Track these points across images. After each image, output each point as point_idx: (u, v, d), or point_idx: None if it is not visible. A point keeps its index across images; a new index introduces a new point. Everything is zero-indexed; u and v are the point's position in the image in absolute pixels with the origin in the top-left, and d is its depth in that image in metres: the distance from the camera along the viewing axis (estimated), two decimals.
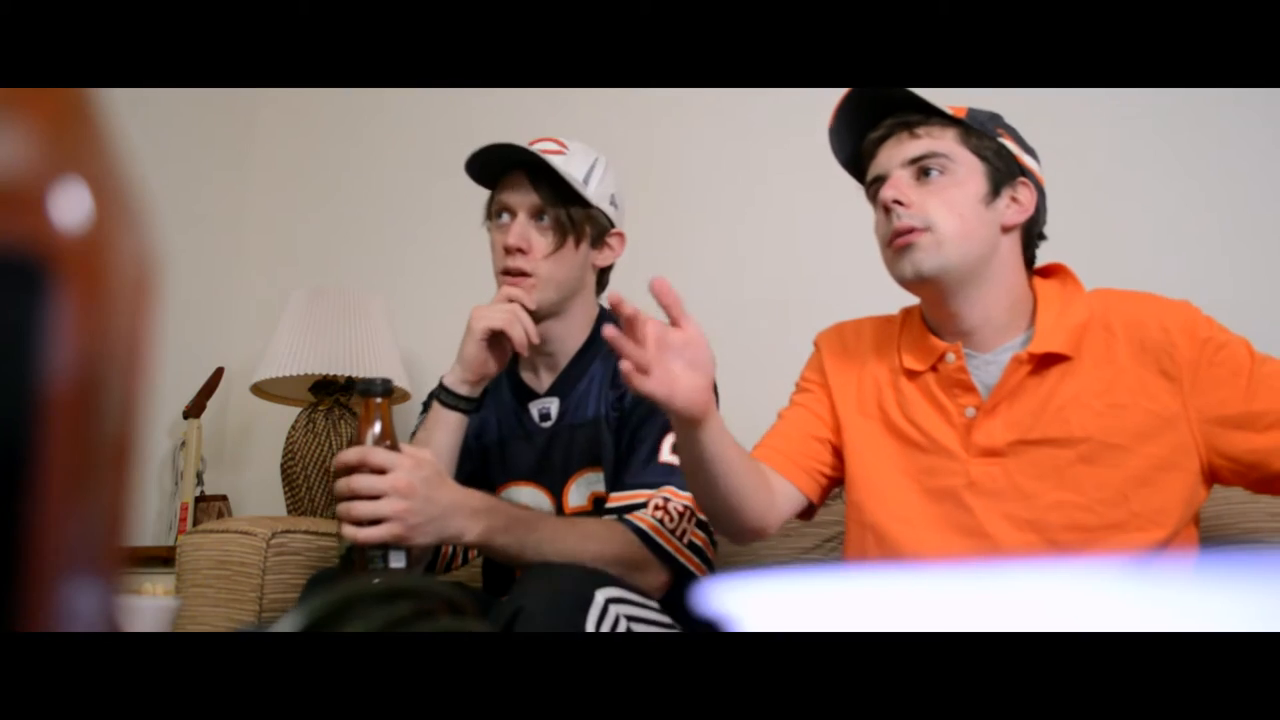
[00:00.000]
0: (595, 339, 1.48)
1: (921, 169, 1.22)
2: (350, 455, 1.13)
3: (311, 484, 2.25)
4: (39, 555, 0.24)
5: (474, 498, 1.23)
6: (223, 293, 2.78)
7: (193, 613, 1.66)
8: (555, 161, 1.43)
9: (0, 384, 0.24)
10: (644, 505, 1.36)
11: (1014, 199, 1.24)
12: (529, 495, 1.48)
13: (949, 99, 1.28)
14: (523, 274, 1.42)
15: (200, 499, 2.50)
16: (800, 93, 2.13)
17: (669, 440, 1.38)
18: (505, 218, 1.46)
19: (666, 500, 1.36)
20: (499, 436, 1.52)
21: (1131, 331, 1.19)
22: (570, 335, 1.49)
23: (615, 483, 1.41)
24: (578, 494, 1.47)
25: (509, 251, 1.43)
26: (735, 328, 2.10)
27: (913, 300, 1.33)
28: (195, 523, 2.43)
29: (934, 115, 1.24)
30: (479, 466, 1.52)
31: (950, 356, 1.24)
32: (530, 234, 1.43)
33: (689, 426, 1.12)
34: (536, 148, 1.44)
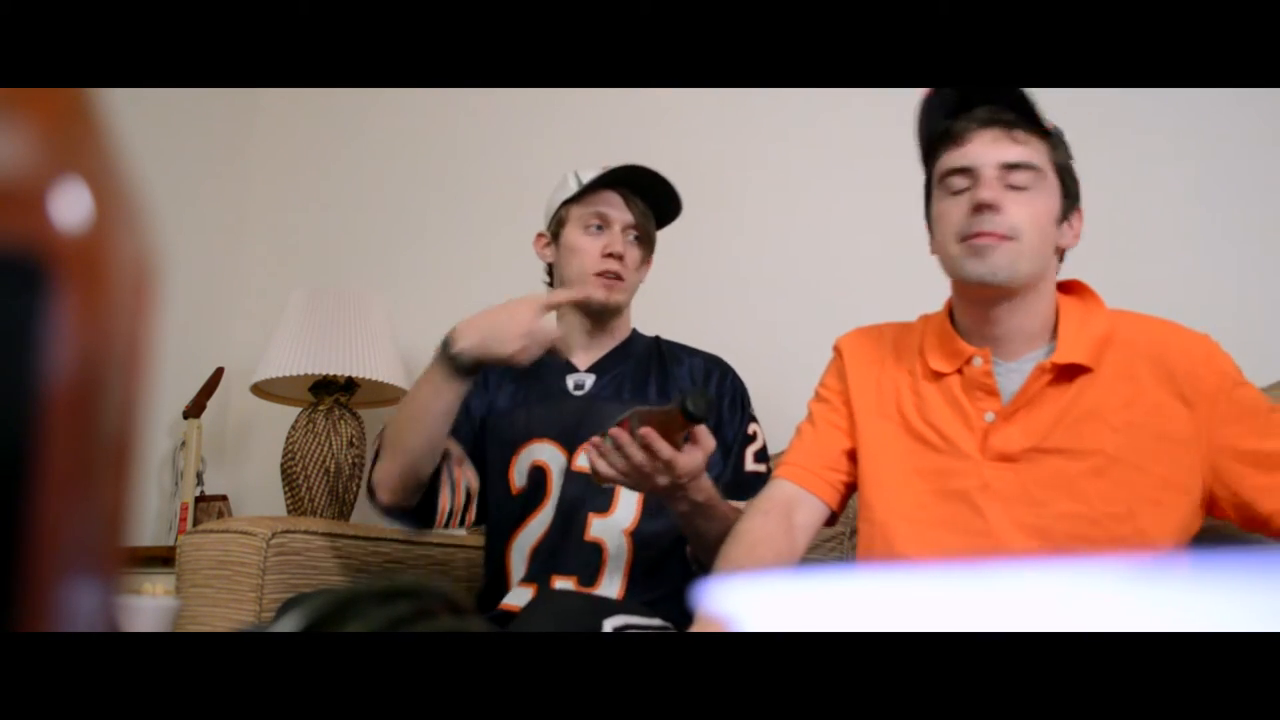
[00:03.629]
0: (629, 342, 1.74)
1: (1014, 175, 1.21)
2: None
3: (311, 484, 2.25)
4: (39, 555, 0.24)
5: (705, 481, 1.42)
6: (223, 293, 2.78)
7: (193, 613, 1.66)
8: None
9: (0, 384, 0.24)
10: None
11: (1070, 224, 1.26)
12: (549, 452, 1.63)
13: None
14: (618, 277, 1.65)
15: (200, 499, 2.50)
16: (801, 93, 2.13)
17: (750, 450, 1.62)
18: (598, 228, 1.65)
19: None
20: (535, 397, 1.70)
21: (1154, 353, 1.21)
22: (619, 329, 1.73)
23: None
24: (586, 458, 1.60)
25: (610, 256, 1.64)
26: (737, 326, 2.10)
27: (927, 305, 1.36)
28: (195, 523, 2.43)
29: (1031, 120, 1.23)
30: (502, 423, 1.70)
31: (977, 360, 1.25)
32: (626, 244, 1.65)
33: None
34: (636, 165, 1.67)
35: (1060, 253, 1.26)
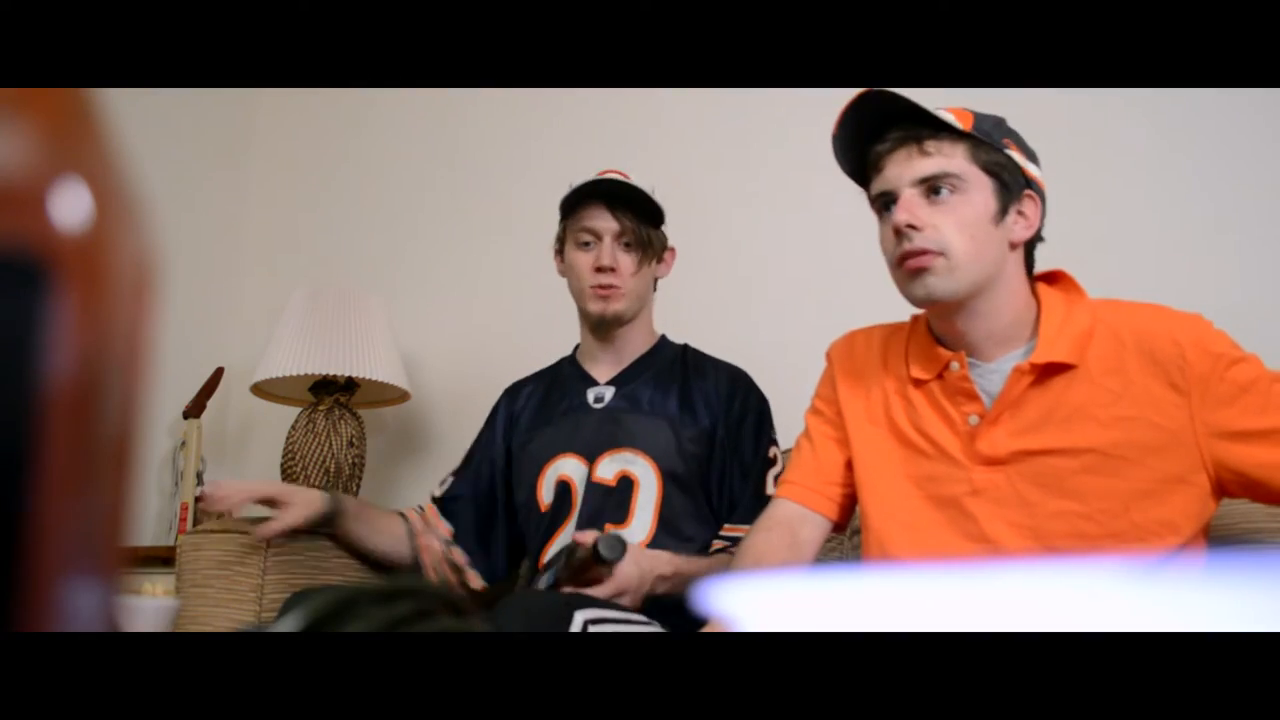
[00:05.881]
0: (653, 352, 1.75)
1: (932, 188, 1.21)
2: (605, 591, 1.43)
3: (311, 484, 2.25)
4: (39, 555, 0.24)
5: (659, 564, 1.50)
6: (223, 293, 2.78)
7: (193, 613, 1.66)
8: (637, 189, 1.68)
9: (0, 384, 0.24)
10: None
11: (1020, 214, 1.23)
12: (573, 466, 1.67)
13: (949, 99, 1.28)
14: (614, 288, 1.66)
15: (200, 499, 2.49)
16: (800, 92, 2.13)
17: (771, 473, 1.63)
18: (589, 242, 1.68)
19: None
20: (559, 413, 1.73)
21: (1142, 343, 1.19)
22: (636, 339, 1.73)
23: (729, 514, 1.63)
24: (608, 467, 1.64)
25: (600, 270, 1.66)
26: (738, 326, 2.10)
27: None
28: (195, 523, 2.43)
29: (943, 130, 1.21)
30: (528, 446, 1.74)
31: (954, 365, 1.25)
32: (617, 254, 1.66)
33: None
34: (610, 177, 1.68)
35: (1017, 246, 1.24)
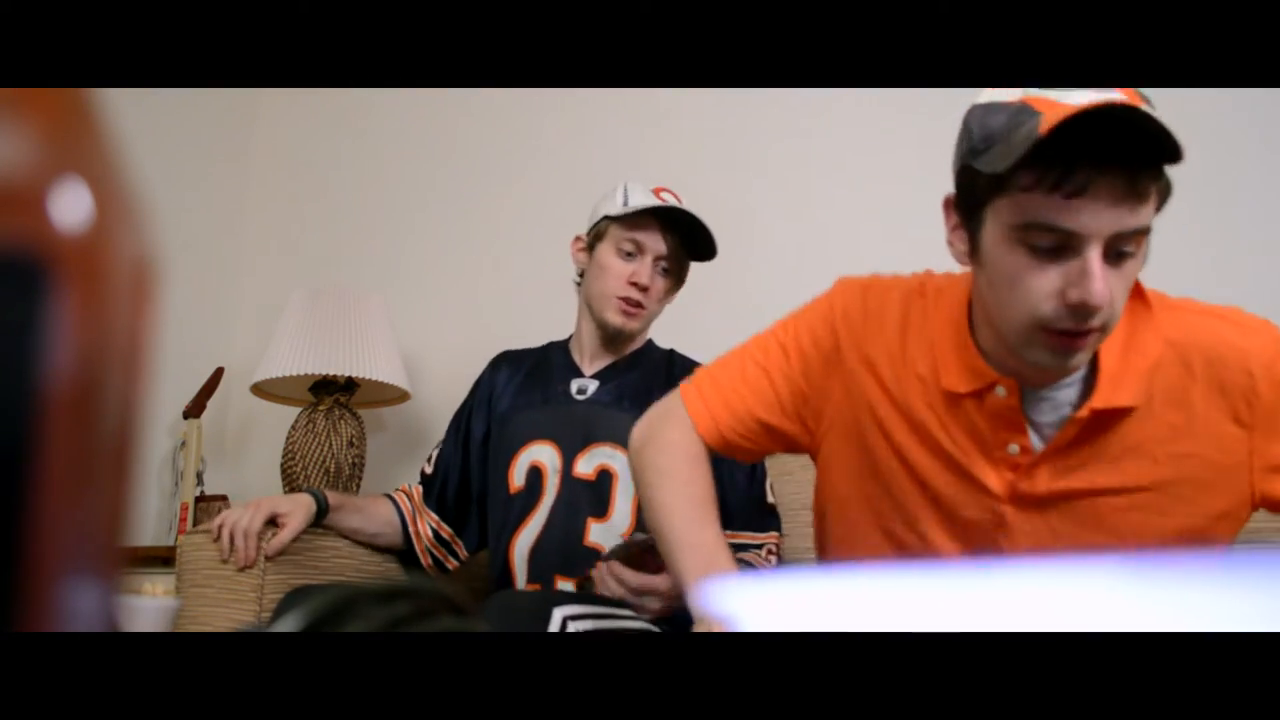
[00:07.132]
0: (641, 352, 1.77)
1: (1123, 243, 0.94)
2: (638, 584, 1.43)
3: (312, 484, 2.25)
4: (39, 555, 0.24)
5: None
6: (223, 293, 2.78)
7: (193, 613, 1.66)
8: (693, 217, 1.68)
9: (0, 384, 0.24)
10: (758, 546, 1.62)
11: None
12: (547, 454, 1.68)
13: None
14: (641, 308, 1.68)
15: (200, 499, 2.49)
16: (800, 93, 2.13)
17: (769, 482, 1.67)
18: (632, 253, 1.67)
19: (777, 546, 1.64)
20: (540, 399, 1.75)
21: (1212, 372, 1.05)
22: (630, 342, 1.76)
23: (725, 521, 1.55)
24: (587, 463, 1.66)
25: (634, 286, 1.67)
26: (737, 326, 2.10)
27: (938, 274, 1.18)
28: (195, 523, 2.43)
29: (1161, 158, 0.93)
30: (505, 426, 1.76)
31: (1001, 390, 1.06)
32: (655, 276, 1.68)
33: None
34: (666, 196, 1.68)
35: None
